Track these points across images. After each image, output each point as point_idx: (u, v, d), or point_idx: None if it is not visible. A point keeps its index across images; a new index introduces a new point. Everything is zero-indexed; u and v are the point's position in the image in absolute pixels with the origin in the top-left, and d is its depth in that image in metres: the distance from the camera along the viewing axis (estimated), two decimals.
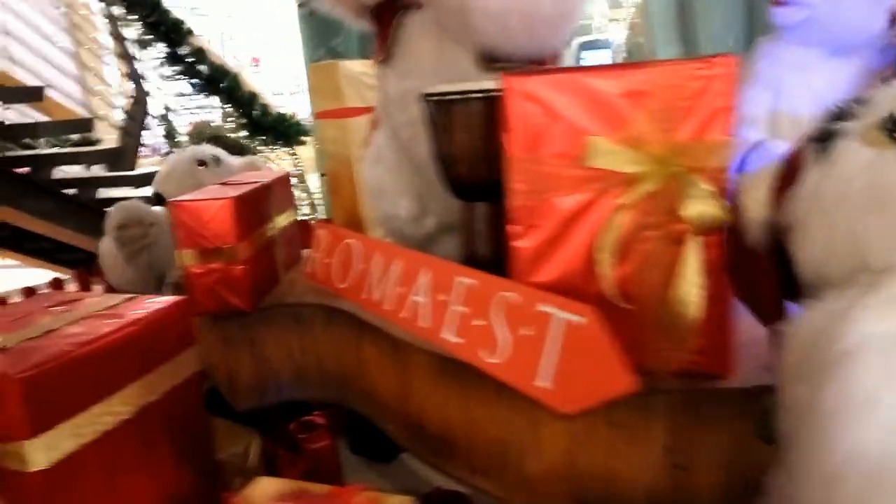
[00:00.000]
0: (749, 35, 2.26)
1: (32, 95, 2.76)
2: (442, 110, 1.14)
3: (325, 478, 1.27)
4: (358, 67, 1.79)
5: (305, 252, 1.93)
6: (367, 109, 1.84)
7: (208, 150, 2.06)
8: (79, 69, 5.58)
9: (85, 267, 3.56)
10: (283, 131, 3.75)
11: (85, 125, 2.82)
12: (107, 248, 1.90)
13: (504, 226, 1.25)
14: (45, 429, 0.81)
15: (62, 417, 0.83)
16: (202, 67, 3.14)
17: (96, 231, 3.19)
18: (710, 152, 0.83)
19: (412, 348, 1.18)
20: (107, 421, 0.89)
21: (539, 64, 1.34)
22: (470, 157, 1.14)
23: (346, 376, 1.45)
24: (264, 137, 3.64)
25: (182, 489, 1.04)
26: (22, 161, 2.64)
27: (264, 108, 3.61)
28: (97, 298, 1.05)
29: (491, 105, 1.11)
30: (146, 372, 0.96)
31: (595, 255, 0.90)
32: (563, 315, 0.87)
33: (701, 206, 0.82)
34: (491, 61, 1.29)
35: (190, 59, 3.13)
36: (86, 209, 2.81)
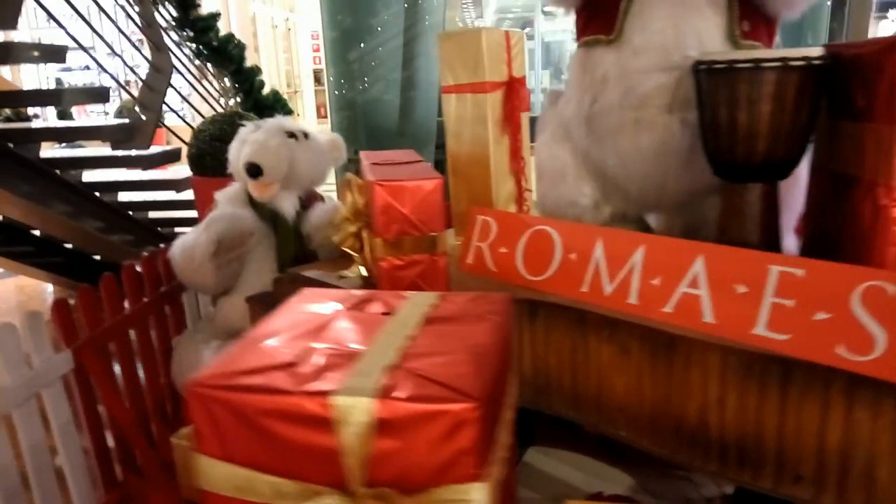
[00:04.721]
0: None
1: (55, 56, 2.32)
2: (741, 80, 1.02)
3: None
4: (497, 37, 1.61)
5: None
6: (501, 84, 1.68)
7: (291, 123, 1.85)
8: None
9: (63, 271, 3.05)
10: (278, 110, 3.47)
11: (103, 94, 2.41)
12: (192, 249, 1.65)
13: (775, 209, 1.16)
14: (486, 462, 0.62)
15: (491, 445, 0.65)
16: (211, 35, 2.80)
17: (102, 222, 2.76)
18: None
19: (696, 346, 1.06)
20: (504, 445, 0.71)
21: (769, 36, 1.25)
22: (772, 131, 1.03)
23: (550, 379, 1.29)
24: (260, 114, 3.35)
25: None
26: (10, 135, 2.20)
27: (262, 83, 3.30)
28: (403, 300, 0.84)
29: (809, 74, 1.01)
30: (506, 381, 0.78)
31: None
32: None
33: None
34: (744, 34, 1.18)
35: (201, 25, 2.78)
36: (80, 195, 2.41)
